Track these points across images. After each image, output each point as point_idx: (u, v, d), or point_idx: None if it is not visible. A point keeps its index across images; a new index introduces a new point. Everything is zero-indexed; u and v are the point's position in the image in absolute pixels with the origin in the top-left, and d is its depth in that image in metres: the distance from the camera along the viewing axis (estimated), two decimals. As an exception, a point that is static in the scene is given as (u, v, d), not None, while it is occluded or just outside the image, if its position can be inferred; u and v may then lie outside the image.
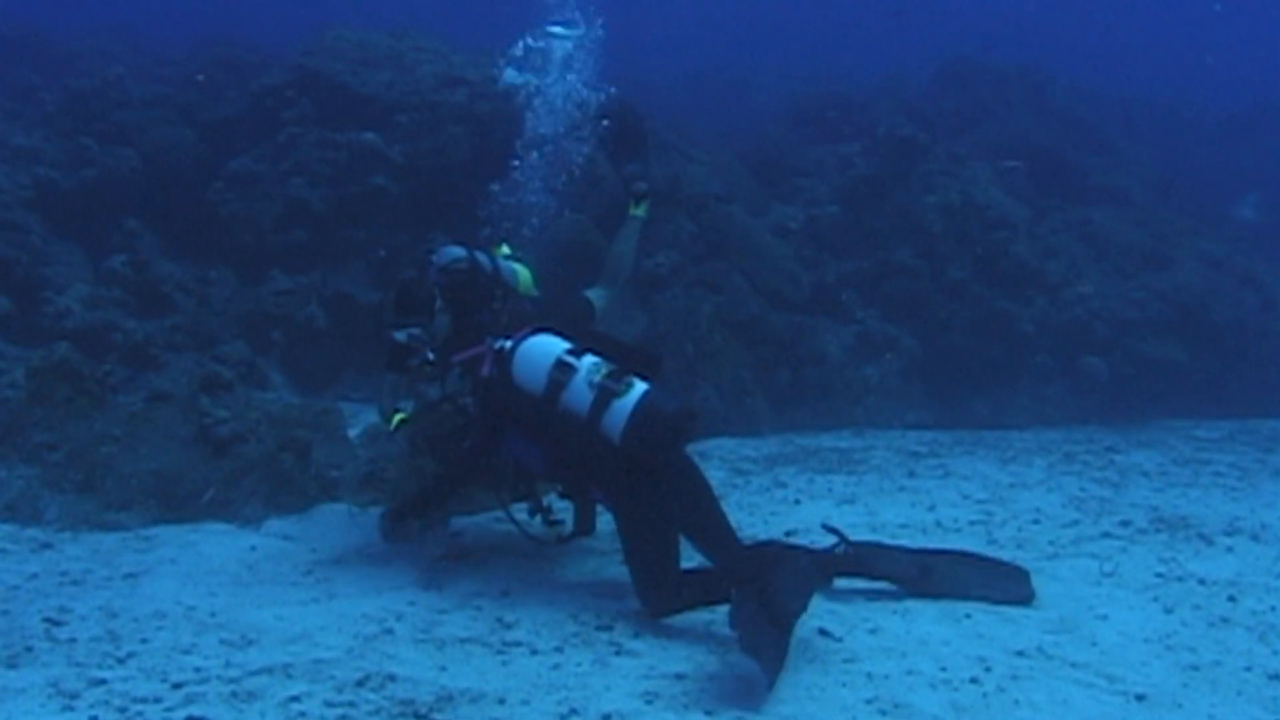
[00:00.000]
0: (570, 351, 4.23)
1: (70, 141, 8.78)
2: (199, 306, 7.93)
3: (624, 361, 4.25)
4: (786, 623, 3.52)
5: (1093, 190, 11.30)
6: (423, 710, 3.26)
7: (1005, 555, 4.77)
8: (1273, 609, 4.37)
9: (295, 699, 3.30)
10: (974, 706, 3.40)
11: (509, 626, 3.98)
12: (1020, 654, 3.83)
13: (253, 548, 4.91)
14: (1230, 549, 5.17)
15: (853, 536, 4.46)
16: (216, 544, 4.94)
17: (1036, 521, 5.58)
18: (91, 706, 3.23)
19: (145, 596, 4.22)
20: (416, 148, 8.55)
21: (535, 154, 5.99)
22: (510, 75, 6.35)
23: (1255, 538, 5.36)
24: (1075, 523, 5.57)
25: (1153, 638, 4.03)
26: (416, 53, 9.48)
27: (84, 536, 4.97)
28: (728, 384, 7.83)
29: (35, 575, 4.43)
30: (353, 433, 6.11)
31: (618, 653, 3.77)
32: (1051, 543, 5.20)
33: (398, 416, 4.70)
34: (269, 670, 3.51)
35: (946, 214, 9.11)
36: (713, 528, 4.33)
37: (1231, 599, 4.47)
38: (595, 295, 5.42)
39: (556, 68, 6.16)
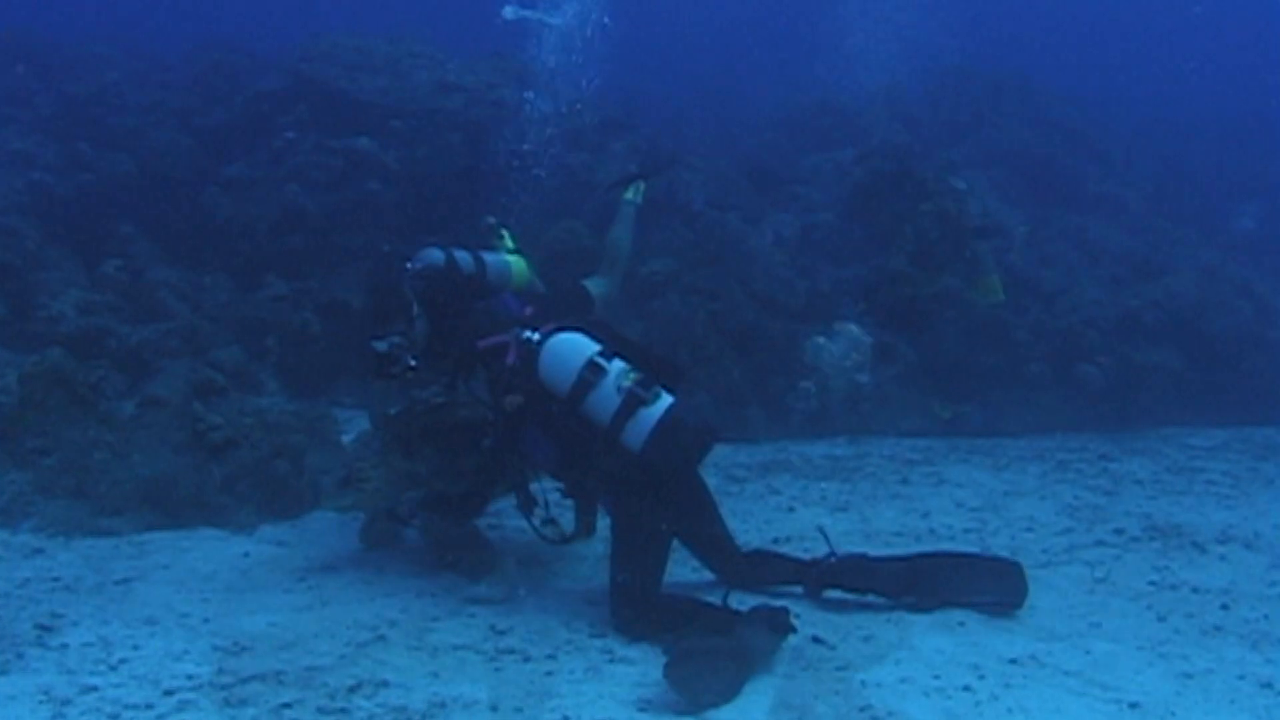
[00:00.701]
0: (601, 353, 4.16)
1: (66, 146, 8.79)
2: (193, 312, 7.92)
3: (650, 369, 4.18)
4: (746, 659, 3.55)
5: (1089, 198, 11.32)
6: (415, 717, 3.27)
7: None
8: (1266, 617, 4.37)
9: (288, 706, 3.30)
10: (967, 714, 3.41)
11: (502, 634, 3.97)
12: (1013, 662, 3.83)
13: (245, 554, 4.90)
14: (1223, 557, 5.18)
15: (845, 545, 4.45)
16: (209, 550, 4.93)
17: (1030, 529, 5.58)
18: (83, 713, 3.23)
19: (137, 602, 4.21)
20: (412, 154, 8.56)
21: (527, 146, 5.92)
22: (509, 11, 6.29)
23: (1249, 546, 5.37)
24: (1069, 530, 5.57)
25: (1146, 646, 4.03)
26: (412, 59, 9.51)
27: (76, 542, 4.95)
28: (722, 391, 7.83)
29: (27, 581, 4.42)
30: (347, 439, 6.09)
31: (611, 660, 3.77)
32: (1045, 550, 5.20)
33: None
34: (261, 677, 3.50)
35: (942, 221, 9.11)
36: (715, 539, 4.37)
37: (1225, 607, 4.47)
38: (593, 285, 5.36)
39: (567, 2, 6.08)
